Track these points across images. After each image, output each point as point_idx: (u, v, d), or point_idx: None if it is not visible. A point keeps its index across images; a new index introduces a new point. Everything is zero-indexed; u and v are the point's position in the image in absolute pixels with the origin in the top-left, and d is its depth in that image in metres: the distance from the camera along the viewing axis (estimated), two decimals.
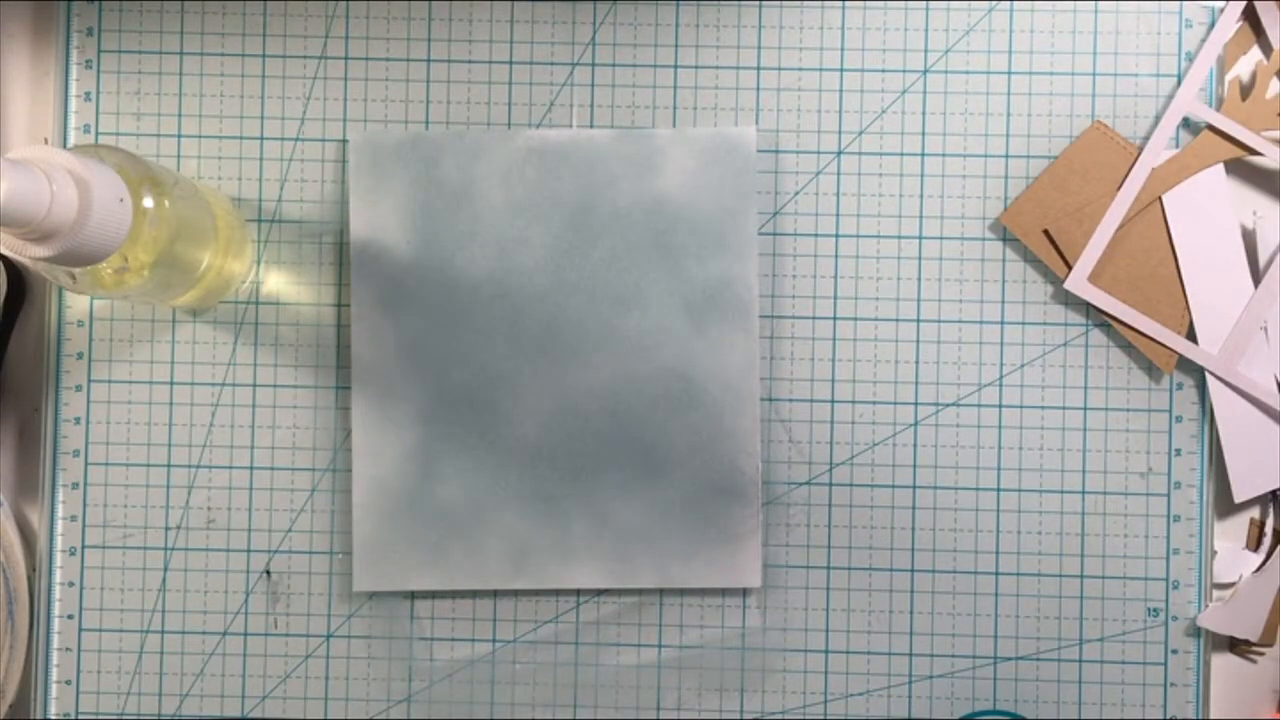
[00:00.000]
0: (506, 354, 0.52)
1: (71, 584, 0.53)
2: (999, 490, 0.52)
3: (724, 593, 0.52)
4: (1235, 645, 0.52)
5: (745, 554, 0.52)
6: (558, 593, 0.52)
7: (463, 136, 0.52)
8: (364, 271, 0.52)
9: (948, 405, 0.52)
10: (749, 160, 0.52)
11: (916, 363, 0.52)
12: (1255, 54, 0.53)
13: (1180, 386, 0.52)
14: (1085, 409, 0.52)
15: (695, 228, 0.52)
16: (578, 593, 0.53)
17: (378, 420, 0.52)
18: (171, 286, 0.47)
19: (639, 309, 0.52)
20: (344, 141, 0.53)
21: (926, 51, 0.53)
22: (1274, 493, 0.52)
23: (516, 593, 0.53)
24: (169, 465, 0.53)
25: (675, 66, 0.53)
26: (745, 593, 0.52)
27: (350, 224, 0.52)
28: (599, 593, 0.52)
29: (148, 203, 0.43)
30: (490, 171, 0.52)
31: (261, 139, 0.53)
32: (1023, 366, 0.52)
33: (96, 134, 0.53)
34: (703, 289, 0.52)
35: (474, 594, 0.53)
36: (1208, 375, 0.51)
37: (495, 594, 0.53)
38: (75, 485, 0.53)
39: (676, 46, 0.53)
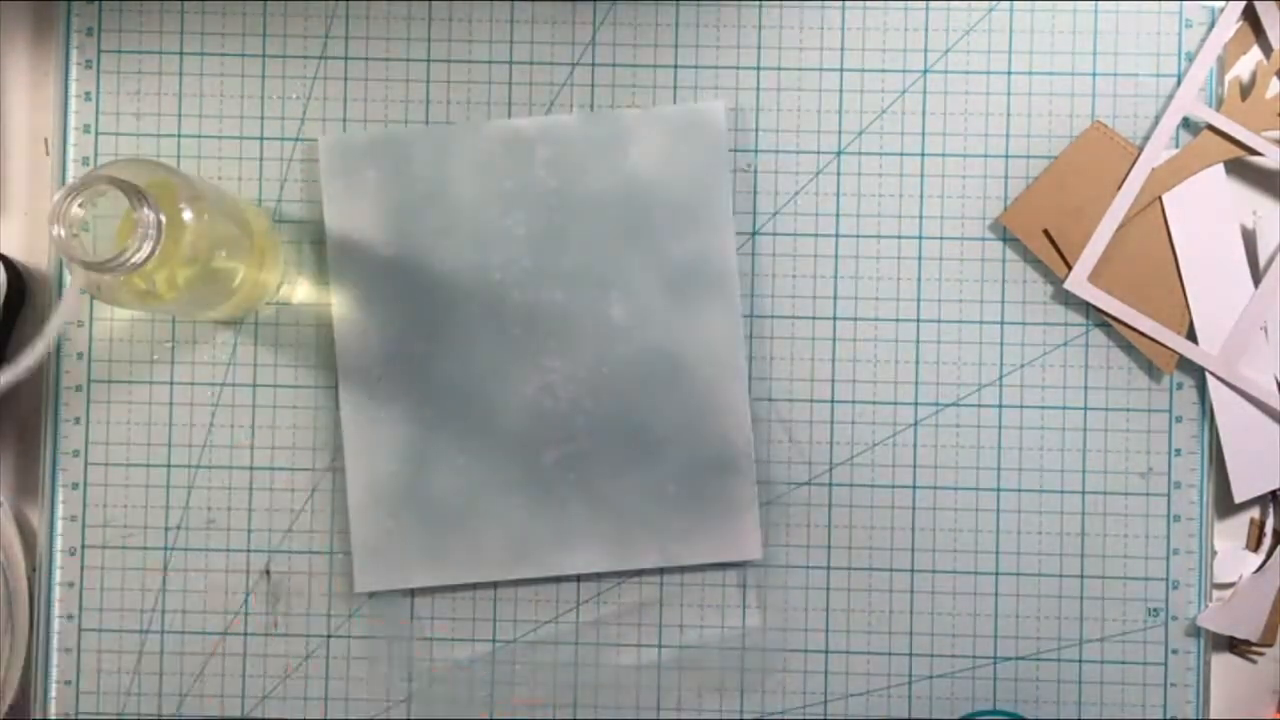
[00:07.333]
0: (491, 344, 0.52)
1: (71, 584, 0.53)
2: (999, 490, 0.52)
3: (724, 591, 0.52)
4: (1235, 645, 0.52)
5: (744, 525, 0.52)
6: (559, 579, 0.52)
7: (431, 131, 0.52)
8: (343, 273, 0.52)
9: (948, 405, 0.52)
10: (719, 135, 0.52)
11: (916, 363, 0.52)
12: (1255, 54, 0.53)
13: (1180, 386, 0.52)
14: (1085, 409, 0.52)
15: (669, 205, 0.52)
16: (578, 578, 0.52)
17: (368, 419, 0.52)
18: (205, 302, 0.47)
19: (620, 290, 0.52)
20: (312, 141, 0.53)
21: (926, 51, 0.53)
22: (1274, 493, 0.52)
23: (517, 589, 0.53)
24: (169, 465, 0.53)
25: (675, 67, 0.53)
26: (745, 593, 0.52)
27: (326, 226, 0.52)
28: (599, 593, 0.52)
29: (185, 216, 0.43)
30: (461, 164, 0.52)
31: (261, 139, 0.53)
32: (1023, 366, 0.52)
33: (96, 134, 0.53)
34: (681, 265, 0.52)
35: (474, 592, 0.53)
36: (1208, 375, 0.51)
37: (495, 593, 0.53)
38: (75, 485, 0.53)
39: (676, 47, 0.53)
